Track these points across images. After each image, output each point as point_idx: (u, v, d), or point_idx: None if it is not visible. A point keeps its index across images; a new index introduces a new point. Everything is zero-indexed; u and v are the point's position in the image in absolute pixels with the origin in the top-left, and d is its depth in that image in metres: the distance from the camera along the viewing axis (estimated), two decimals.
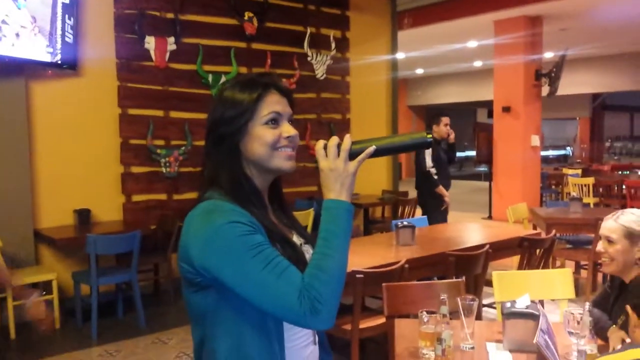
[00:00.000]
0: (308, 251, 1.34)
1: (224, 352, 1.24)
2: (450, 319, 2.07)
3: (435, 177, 5.58)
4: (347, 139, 1.23)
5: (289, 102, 1.34)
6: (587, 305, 2.01)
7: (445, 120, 5.76)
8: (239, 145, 1.29)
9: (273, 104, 1.29)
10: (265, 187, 1.35)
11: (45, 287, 4.71)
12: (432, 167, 5.58)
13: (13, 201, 4.79)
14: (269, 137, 1.27)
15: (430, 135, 1.27)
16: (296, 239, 1.37)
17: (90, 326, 4.47)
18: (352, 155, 1.23)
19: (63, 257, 5.15)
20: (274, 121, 1.29)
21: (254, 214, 1.24)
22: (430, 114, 6.21)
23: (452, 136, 5.81)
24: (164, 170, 5.76)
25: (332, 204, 1.21)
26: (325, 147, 1.24)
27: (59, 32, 4.86)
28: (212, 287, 1.22)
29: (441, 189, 5.59)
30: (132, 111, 5.57)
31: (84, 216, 5.12)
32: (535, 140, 10.02)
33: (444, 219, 5.64)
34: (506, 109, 9.92)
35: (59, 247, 4.94)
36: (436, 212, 5.58)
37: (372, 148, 1.23)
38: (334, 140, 1.24)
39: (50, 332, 4.60)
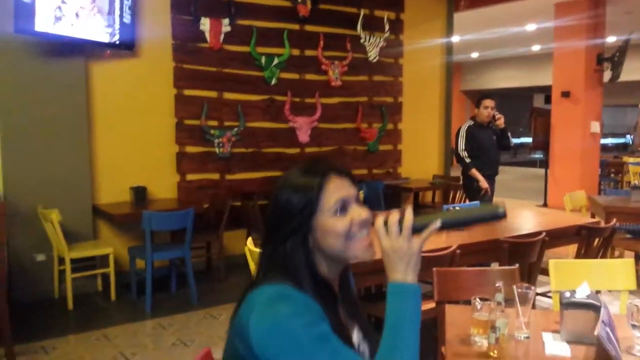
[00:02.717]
0: (365, 352, 1.27)
1: None
2: (505, 307, 2.02)
3: (468, 160, 5.43)
4: (409, 214, 1.15)
5: (351, 182, 1.25)
6: None
7: (487, 102, 5.51)
8: (307, 239, 1.20)
9: (336, 190, 1.20)
10: (336, 277, 1.28)
11: (103, 260, 4.89)
12: (465, 150, 5.45)
13: (73, 178, 4.96)
14: (340, 228, 1.19)
15: (503, 209, 1.15)
16: (357, 333, 1.29)
17: (145, 299, 4.61)
18: (415, 231, 1.15)
19: (120, 233, 5.32)
20: (343, 209, 1.20)
21: (328, 314, 1.15)
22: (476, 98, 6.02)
23: (501, 121, 5.55)
24: (217, 150, 5.84)
25: (397, 288, 1.14)
26: (385, 224, 1.16)
27: (117, 12, 4.96)
28: None
29: (474, 172, 5.42)
30: (187, 92, 5.66)
31: (140, 193, 5.25)
32: (595, 127, 9.66)
33: None
34: (565, 94, 9.60)
35: (116, 222, 5.10)
36: (476, 197, 5.43)
37: (437, 224, 1.15)
38: (395, 216, 1.15)
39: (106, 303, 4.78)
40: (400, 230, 1.14)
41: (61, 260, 4.72)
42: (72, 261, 4.61)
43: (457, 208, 4.04)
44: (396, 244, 1.14)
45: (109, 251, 4.79)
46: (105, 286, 5.03)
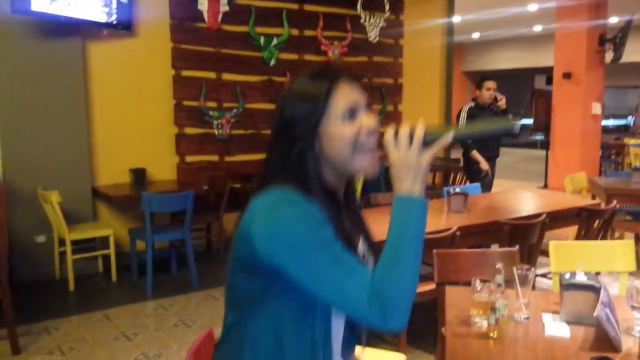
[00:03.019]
0: (369, 261, 1.28)
1: (256, 332, 1.20)
2: (505, 288, 2.02)
3: (469, 142, 5.42)
4: (420, 127, 1.12)
5: (361, 88, 1.23)
6: None
7: (489, 84, 5.52)
8: (315, 145, 1.19)
9: (347, 94, 1.18)
10: (341, 187, 1.27)
11: (103, 242, 4.90)
12: None
13: (72, 159, 4.95)
14: (348, 133, 1.17)
15: (519, 125, 1.13)
16: (362, 243, 1.30)
17: (146, 281, 4.62)
18: (426, 144, 1.12)
19: (119, 214, 5.32)
20: (352, 113, 1.18)
21: (332, 220, 1.15)
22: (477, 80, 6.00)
23: (503, 102, 5.55)
24: (216, 132, 5.82)
25: (404, 199, 1.11)
26: (396, 136, 1.13)
27: None
28: (262, 275, 1.17)
29: (475, 154, 5.42)
30: (185, 73, 5.62)
31: (139, 175, 5.25)
32: (597, 108, 9.63)
33: (487, 188, 5.47)
34: (567, 75, 9.55)
35: (115, 204, 5.10)
36: (477, 179, 5.43)
37: (449, 136, 1.12)
38: (406, 128, 1.13)
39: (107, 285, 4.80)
40: (411, 143, 1.12)
41: (61, 242, 4.73)
42: (73, 242, 4.62)
43: (457, 190, 4.04)
44: (405, 156, 1.11)
45: (109, 233, 4.79)
46: (105, 267, 5.05)
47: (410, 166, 1.11)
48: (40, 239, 4.86)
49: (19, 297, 3.56)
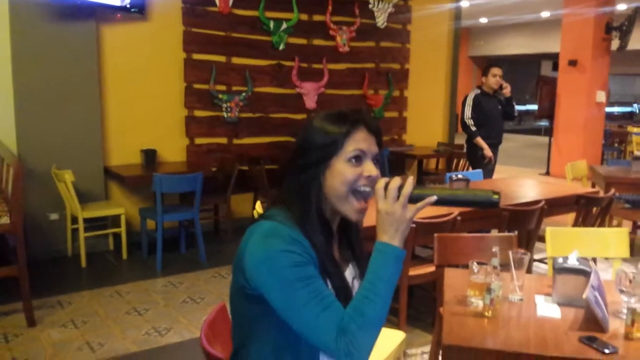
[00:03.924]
0: (356, 288, 1.37)
1: (256, 356, 1.31)
2: (501, 271, 2.13)
3: (474, 128, 5.51)
4: (409, 184, 1.22)
5: (377, 142, 1.33)
6: None
7: (495, 71, 5.58)
8: (321, 176, 1.29)
9: (360, 141, 1.29)
10: (335, 220, 1.37)
11: (114, 220, 5.03)
12: (470, 118, 5.52)
13: (85, 139, 5.06)
14: (349, 174, 1.27)
15: (497, 196, 1.20)
16: (350, 271, 1.39)
17: (155, 259, 4.77)
18: (412, 200, 1.22)
19: (130, 194, 5.45)
20: (358, 159, 1.28)
21: (314, 242, 1.26)
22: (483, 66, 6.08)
23: (508, 90, 5.63)
24: (225, 115, 5.92)
25: (383, 248, 1.22)
26: (386, 188, 1.23)
27: None
28: (257, 301, 1.26)
29: (479, 140, 5.51)
30: (196, 56, 5.70)
31: (150, 156, 5.35)
32: (601, 96, 9.66)
33: (489, 174, 5.58)
34: (572, 63, 9.57)
35: (127, 184, 5.22)
36: (480, 165, 5.53)
37: (433, 198, 1.21)
38: (396, 182, 1.22)
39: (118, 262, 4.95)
40: (398, 196, 1.21)
41: (74, 220, 4.87)
42: (85, 220, 4.74)
43: (459, 176, 4.15)
44: (391, 208, 1.21)
45: (120, 211, 4.92)
46: (116, 245, 5.19)
47: (394, 218, 1.21)
48: (54, 216, 4.99)
49: (32, 272, 3.68)
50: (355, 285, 1.37)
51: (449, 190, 1.27)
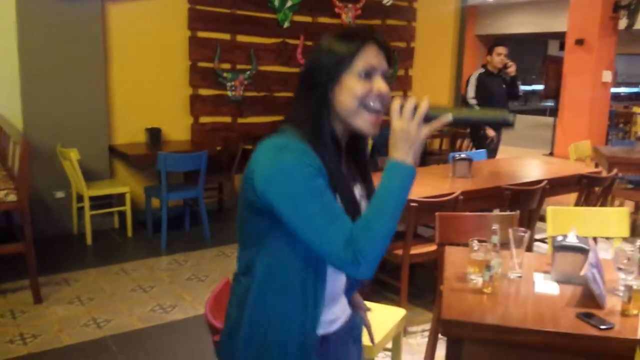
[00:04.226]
0: (363, 205, 1.38)
1: (262, 268, 1.31)
2: (501, 249, 2.16)
3: (477, 108, 5.49)
4: (425, 103, 1.22)
5: (386, 58, 1.32)
6: (639, 242, 2.05)
7: (500, 50, 5.55)
8: (330, 94, 1.29)
9: (370, 57, 1.28)
10: (345, 138, 1.37)
11: (119, 199, 5.08)
12: (474, 97, 5.50)
13: (91, 118, 5.08)
14: (359, 89, 1.27)
15: (514, 117, 1.21)
16: (358, 190, 1.40)
17: (160, 237, 4.82)
18: (427, 120, 1.22)
19: (135, 172, 5.49)
20: (368, 75, 1.28)
21: (324, 159, 1.26)
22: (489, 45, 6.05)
23: (513, 69, 5.59)
24: (229, 93, 5.92)
25: (396, 165, 1.23)
26: (401, 107, 1.23)
27: None
28: (265, 216, 1.27)
29: None
30: (201, 34, 5.69)
31: (154, 135, 5.38)
32: (607, 76, 9.59)
33: (493, 154, 5.57)
34: (579, 42, 9.49)
35: (132, 162, 5.25)
36: (483, 145, 5.53)
37: (448, 116, 1.22)
38: (412, 101, 1.22)
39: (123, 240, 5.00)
40: (414, 116, 1.22)
41: (79, 198, 4.91)
42: (90, 199, 4.79)
43: (462, 155, 4.16)
44: (406, 126, 1.21)
45: (125, 190, 4.96)
46: (121, 223, 5.24)
47: (408, 136, 1.22)
48: (59, 194, 5.04)
49: (38, 250, 3.73)
50: (363, 205, 1.38)
51: (465, 111, 1.25)
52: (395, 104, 1.23)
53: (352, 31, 1.33)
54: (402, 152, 1.23)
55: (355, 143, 1.41)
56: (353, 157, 1.43)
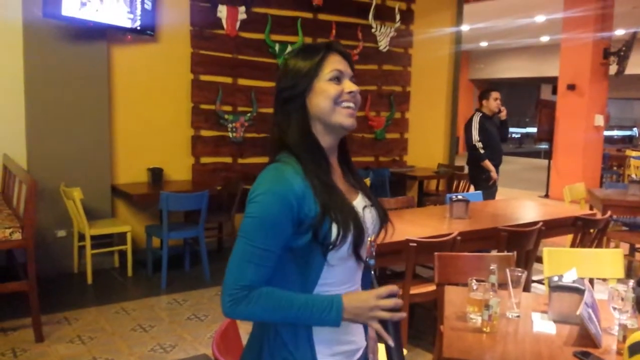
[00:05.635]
0: (372, 212, 1.46)
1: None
2: (499, 289, 2.21)
3: (482, 151, 5.62)
4: (401, 315, 1.32)
5: (350, 65, 1.43)
6: (632, 282, 2.12)
7: (495, 95, 5.74)
8: (305, 102, 1.38)
9: (335, 63, 1.39)
10: (331, 147, 1.43)
11: (120, 238, 5.12)
12: (479, 141, 5.63)
13: (94, 158, 5.17)
14: (331, 91, 1.37)
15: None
16: (361, 200, 1.46)
17: (160, 276, 4.84)
18: (382, 322, 1.31)
19: (136, 211, 5.54)
20: (337, 79, 1.38)
21: (317, 173, 1.34)
22: (482, 90, 6.23)
23: (504, 113, 5.78)
24: (230, 135, 6.04)
25: (337, 303, 1.29)
26: (384, 295, 1.31)
27: None
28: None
29: (487, 163, 5.61)
30: (203, 77, 5.84)
31: (156, 174, 5.45)
32: (599, 120, 9.79)
33: (491, 196, 5.68)
34: (571, 87, 9.72)
35: (134, 202, 5.30)
36: (484, 187, 5.63)
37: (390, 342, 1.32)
38: (395, 293, 1.32)
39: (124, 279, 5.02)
40: (381, 307, 1.30)
41: (81, 237, 4.95)
42: (92, 238, 4.82)
43: (459, 197, 4.24)
44: (374, 303, 1.30)
45: (127, 229, 5.01)
46: (122, 262, 5.26)
47: (367, 308, 1.29)
48: (61, 233, 5.08)
49: (39, 288, 3.74)
50: (367, 215, 1.44)
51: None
52: (388, 289, 1.31)
53: (313, 45, 1.46)
54: (349, 310, 1.29)
55: (345, 155, 1.50)
56: (348, 169, 1.51)
